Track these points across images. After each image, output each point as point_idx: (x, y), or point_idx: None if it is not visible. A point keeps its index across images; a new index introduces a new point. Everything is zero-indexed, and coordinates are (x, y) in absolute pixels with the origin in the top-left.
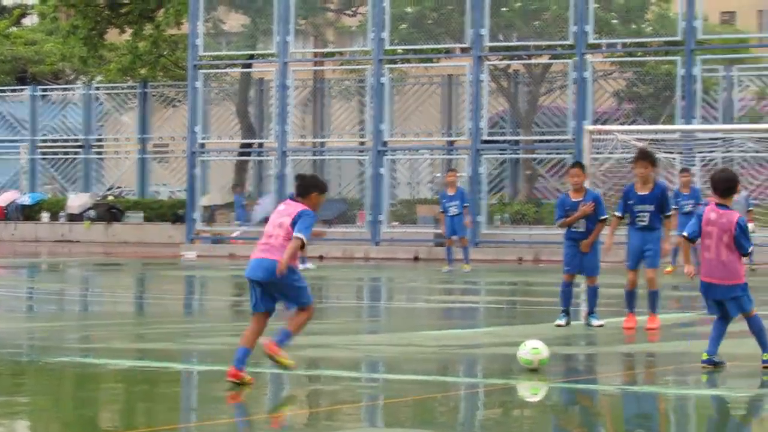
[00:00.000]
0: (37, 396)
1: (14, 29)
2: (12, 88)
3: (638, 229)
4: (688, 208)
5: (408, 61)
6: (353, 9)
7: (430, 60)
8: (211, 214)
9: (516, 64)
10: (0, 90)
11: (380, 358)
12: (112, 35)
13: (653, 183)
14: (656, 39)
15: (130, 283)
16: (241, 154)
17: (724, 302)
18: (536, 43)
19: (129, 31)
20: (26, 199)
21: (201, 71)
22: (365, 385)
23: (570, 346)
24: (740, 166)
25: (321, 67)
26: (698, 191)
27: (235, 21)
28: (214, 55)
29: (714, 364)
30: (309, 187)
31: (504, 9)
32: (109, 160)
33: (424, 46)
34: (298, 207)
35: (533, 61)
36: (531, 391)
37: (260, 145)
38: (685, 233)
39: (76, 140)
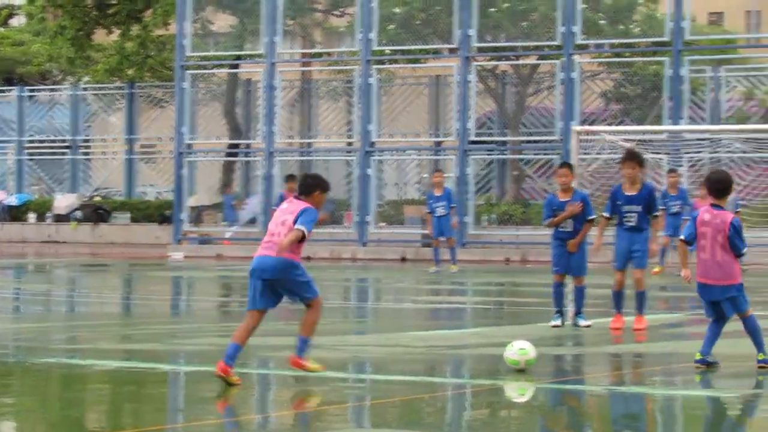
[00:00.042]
0: (23, 397)
1: (1, 30)
2: None
3: (626, 230)
4: (675, 209)
5: (396, 61)
6: (341, 9)
7: (417, 60)
8: (198, 214)
9: (504, 65)
10: None
11: (367, 358)
12: (100, 36)
13: (641, 183)
14: (644, 40)
15: (117, 283)
16: (229, 154)
17: (720, 303)
18: (524, 43)
19: (116, 31)
20: (13, 200)
21: (188, 72)
22: (352, 385)
23: (557, 347)
24: (728, 167)
25: (308, 68)
26: (685, 192)
27: (222, 21)
28: (202, 55)
29: (707, 364)
30: (312, 185)
31: (492, 9)
32: (96, 161)
33: (412, 47)
34: (301, 205)
35: (521, 61)
36: (518, 392)
37: (247, 145)
38: (681, 236)
39: (64, 141)
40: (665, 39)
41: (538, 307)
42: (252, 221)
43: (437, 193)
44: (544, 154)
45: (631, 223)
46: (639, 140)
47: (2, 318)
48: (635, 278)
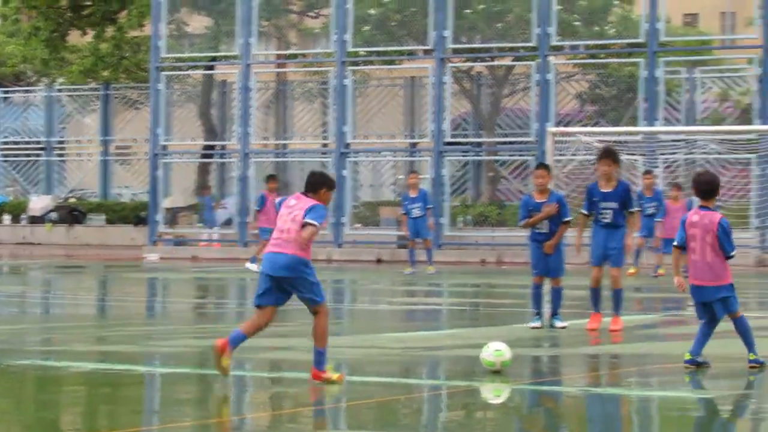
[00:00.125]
0: None
1: None
2: None
3: (602, 227)
4: (650, 211)
5: (371, 63)
6: (316, 11)
7: (392, 62)
8: (173, 216)
9: (479, 66)
10: None
11: (343, 360)
12: (74, 37)
13: (616, 181)
14: (619, 41)
15: (93, 285)
16: (204, 156)
17: (711, 304)
18: (499, 45)
19: (91, 33)
20: None
21: (163, 73)
22: (328, 387)
23: (533, 348)
24: (703, 168)
25: (284, 69)
26: (660, 193)
27: (197, 23)
28: (177, 57)
29: (697, 365)
30: (319, 183)
31: (467, 11)
32: (71, 162)
33: (387, 48)
34: (309, 201)
35: (496, 63)
36: (494, 393)
37: (223, 147)
38: (674, 243)
39: (38, 142)
40: (640, 40)
41: (513, 308)
42: (227, 223)
43: (413, 194)
44: (520, 155)
45: (606, 220)
46: (614, 141)
47: None
48: (612, 276)
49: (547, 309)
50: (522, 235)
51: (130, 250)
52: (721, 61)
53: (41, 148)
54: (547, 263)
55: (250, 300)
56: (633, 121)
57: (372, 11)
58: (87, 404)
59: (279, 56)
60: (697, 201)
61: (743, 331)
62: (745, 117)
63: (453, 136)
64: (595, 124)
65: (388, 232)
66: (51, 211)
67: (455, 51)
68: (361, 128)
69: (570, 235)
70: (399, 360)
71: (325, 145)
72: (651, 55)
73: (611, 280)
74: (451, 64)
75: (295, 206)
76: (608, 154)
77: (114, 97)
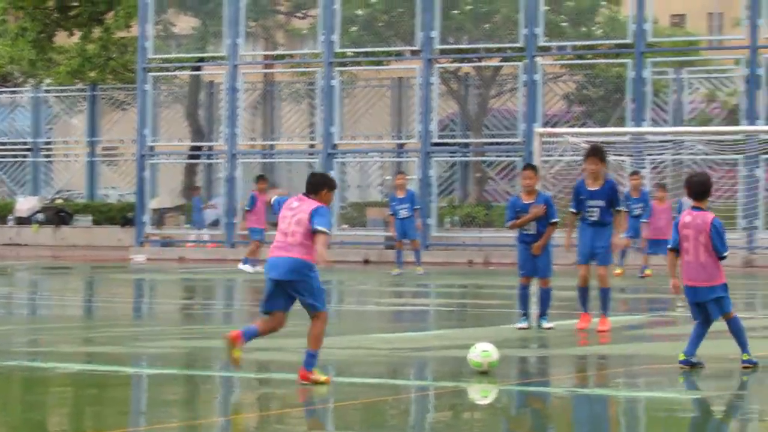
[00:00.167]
0: None
1: None
2: None
3: (589, 225)
4: (637, 212)
5: (358, 63)
6: (303, 11)
7: (380, 63)
8: (160, 217)
9: (466, 67)
10: None
11: (330, 361)
12: (61, 38)
13: (603, 179)
14: (606, 42)
15: (79, 286)
16: (191, 157)
17: (706, 305)
18: (486, 45)
19: (78, 33)
20: None
21: (150, 74)
22: (315, 388)
23: (521, 349)
24: (690, 169)
25: (271, 70)
26: (647, 194)
27: (185, 23)
28: (164, 57)
29: (691, 365)
30: (319, 184)
31: (454, 12)
32: (58, 163)
33: (375, 49)
34: (312, 203)
35: (483, 63)
36: (481, 394)
37: (210, 147)
38: (669, 246)
39: (25, 143)
40: (628, 41)
41: (501, 309)
42: (215, 223)
43: (400, 195)
44: (507, 156)
45: (593, 218)
46: (602, 142)
47: None
48: (599, 275)
49: (534, 310)
50: (509, 235)
51: (116, 251)
52: (709, 62)
53: (28, 149)
54: (535, 264)
55: (237, 300)
56: (620, 122)
57: (359, 12)
58: (74, 405)
59: (266, 57)
60: (687, 202)
61: (737, 332)
62: (732, 118)
63: (440, 136)
64: (583, 125)
65: (376, 232)
66: (38, 212)
67: (442, 52)
68: (348, 129)
69: (558, 235)
70: (386, 361)
71: (312, 146)
72: (638, 56)
73: (598, 279)
74: (438, 65)
75: (297, 208)
76: (595, 153)
77: (101, 97)
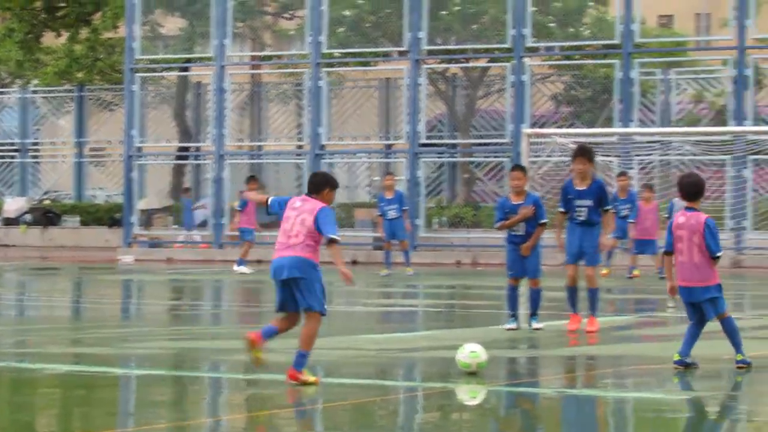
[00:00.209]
0: None
1: None
2: None
3: (577, 225)
4: (624, 212)
5: (346, 64)
6: (291, 12)
7: (367, 63)
8: (148, 218)
9: (454, 68)
10: None
11: (319, 361)
12: (49, 39)
13: (591, 179)
14: (594, 42)
15: (67, 287)
16: (179, 157)
17: (700, 305)
18: (474, 46)
19: (65, 34)
20: None
21: (138, 75)
22: (304, 388)
23: (509, 350)
24: (678, 169)
25: (258, 71)
26: (635, 195)
27: (172, 24)
28: (151, 58)
29: (686, 365)
30: (321, 183)
31: (442, 12)
32: (45, 164)
33: (362, 50)
34: (316, 204)
35: (471, 64)
36: (469, 395)
37: (197, 148)
38: (663, 249)
39: (12, 144)
40: (615, 42)
41: (489, 309)
42: (203, 224)
43: (388, 195)
44: (495, 156)
45: (581, 218)
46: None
47: None
48: (587, 275)
49: (523, 311)
50: (497, 236)
51: (104, 251)
52: (696, 63)
53: (15, 150)
54: (524, 265)
55: (225, 301)
56: (608, 123)
57: (347, 13)
58: (62, 406)
59: (254, 58)
60: (679, 203)
61: (731, 332)
62: (719, 118)
63: (428, 137)
64: (571, 126)
65: (364, 233)
66: (25, 212)
67: (430, 52)
68: (336, 130)
69: (547, 236)
70: (375, 362)
71: (300, 147)
72: (626, 57)
73: (586, 279)
74: (426, 66)
75: (301, 208)
76: (583, 153)
77: (88, 98)
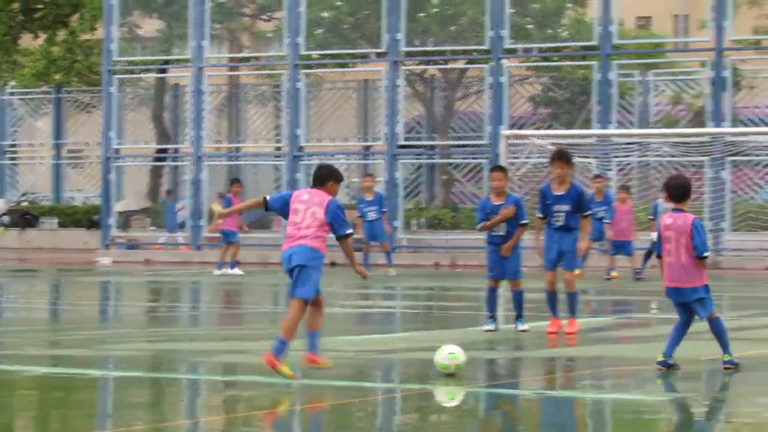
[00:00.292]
0: None
1: None
2: None
3: (555, 230)
4: (600, 214)
5: (324, 66)
6: (269, 14)
7: (346, 65)
8: (126, 219)
9: (432, 69)
10: None
11: (296, 363)
12: (26, 40)
13: (569, 183)
14: (572, 44)
15: (45, 289)
16: (157, 159)
17: (691, 305)
18: (452, 48)
19: (43, 36)
20: None
21: (116, 76)
22: (282, 390)
23: (488, 351)
24: (656, 171)
25: (236, 72)
26: (611, 198)
27: (150, 26)
28: (129, 60)
29: (668, 366)
30: (325, 176)
31: (420, 14)
32: (23, 166)
33: (340, 51)
34: (324, 197)
35: (449, 65)
36: (448, 396)
37: (176, 150)
38: (655, 253)
39: None
40: (593, 43)
41: (467, 311)
42: (181, 225)
43: (368, 197)
44: (473, 158)
45: (559, 223)
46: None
47: None
48: (566, 280)
49: (502, 312)
50: (475, 237)
51: (82, 253)
52: (674, 64)
53: None
54: (504, 266)
55: (203, 303)
56: (586, 124)
57: (325, 14)
58: (39, 408)
59: (232, 59)
60: (663, 204)
61: (719, 332)
62: (697, 120)
63: (406, 139)
64: (549, 127)
65: None
66: (3, 214)
67: (408, 54)
68: (314, 131)
69: (527, 237)
70: (352, 363)
71: (278, 149)
72: (604, 58)
73: (565, 284)
74: (404, 67)
75: (309, 201)
76: (561, 156)
77: (66, 100)
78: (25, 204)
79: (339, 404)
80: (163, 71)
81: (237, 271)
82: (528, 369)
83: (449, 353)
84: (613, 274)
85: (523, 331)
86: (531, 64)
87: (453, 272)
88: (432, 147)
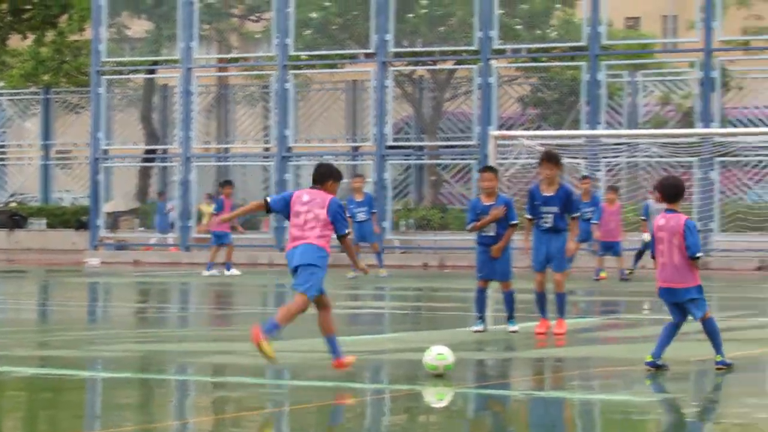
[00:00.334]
0: None
1: None
2: None
3: (543, 231)
4: (587, 216)
5: (313, 66)
6: (257, 15)
7: (334, 65)
8: (114, 220)
9: (421, 70)
10: None
11: (285, 364)
12: (15, 41)
13: (558, 185)
14: (561, 44)
15: (34, 290)
16: (145, 160)
17: (684, 305)
18: (441, 48)
19: (31, 37)
20: None
21: (104, 77)
22: (270, 391)
23: (476, 352)
24: (645, 171)
25: (225, 73)
26: (598, 199)
27: (138, 27)
28: (118, 60)
29: (656, 367)
30: (325, 175)
31: (409, 15)
32: (11, 167)
33: (329, 52)
34: (325, 197)
35: (438, 66)
36: (436, 397)
37: (164, 151)
38: (650, 254)
39: None
40: (582, 44)
41: (456, 312)
42: (171, 226)
43: (358, 198)
44: (462, 158)
45: (548, 224)
46: (557, 145)
47: None
48: (555, 281)
49: (490, 312)
50: (464, 238)
51: (71, 254)
52: (663, 65)
53: None
54: (494, 267)
55: (192, 303)
56: (575, 125)
57: (313, 15)
58: (28, 409)
59: (220, 60)
60: (654, 205)
61: (711, 333)
62: (686, 120)
63: (395, 139)
64: (538, 128)
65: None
66: None
67: (397, 54)
68: (303, 132)
69: (517, 238)
70: None
71: (267, 149)
72: (593, 59)
73: (554, 285)
74: (393, 68)
75: (311, 202)
76: (550, 158)
77: (55, 101)
78: (13, 205)
79: (327, 405)
80: (151, 72)
81: (234, 271)
82: (517, 370)
83: (438, 354)
84: (602, 274)
85: (514, 332)
86: (520, 64)
87: (442, 273)
88: (421, 148)
